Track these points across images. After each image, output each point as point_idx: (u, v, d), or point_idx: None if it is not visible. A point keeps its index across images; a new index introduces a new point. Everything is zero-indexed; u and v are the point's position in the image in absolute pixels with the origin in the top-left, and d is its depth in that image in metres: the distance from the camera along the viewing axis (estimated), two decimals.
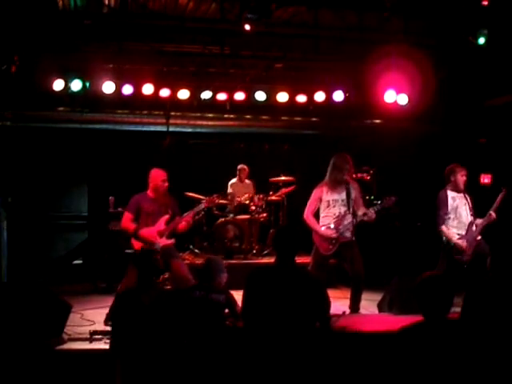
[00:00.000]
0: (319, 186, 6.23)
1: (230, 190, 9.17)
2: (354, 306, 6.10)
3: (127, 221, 5.97)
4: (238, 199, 8.92)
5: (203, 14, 7.16)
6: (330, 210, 6.13)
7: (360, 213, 6.05)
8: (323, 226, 6.13)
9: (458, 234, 6.40)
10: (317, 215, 6.24)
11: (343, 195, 6.09)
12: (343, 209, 6.08)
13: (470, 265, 6.35)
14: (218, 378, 4.02)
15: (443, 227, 6.40)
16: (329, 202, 6.13)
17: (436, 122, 9.17)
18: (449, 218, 6.44)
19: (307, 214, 6.17)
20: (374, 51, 7.46)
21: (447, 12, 6.93)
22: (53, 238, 9.12)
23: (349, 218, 6.06)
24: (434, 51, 7.74)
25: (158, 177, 6.02)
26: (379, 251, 8.24)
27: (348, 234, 6.08)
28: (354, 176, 6.48)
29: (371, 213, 6.01)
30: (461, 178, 6.43)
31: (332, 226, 6.08)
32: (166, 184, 6.04)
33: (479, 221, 6.41)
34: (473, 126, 9.09)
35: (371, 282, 6.78)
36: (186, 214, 6.13)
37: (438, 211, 6.45)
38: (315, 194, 6.21)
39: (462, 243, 6.32)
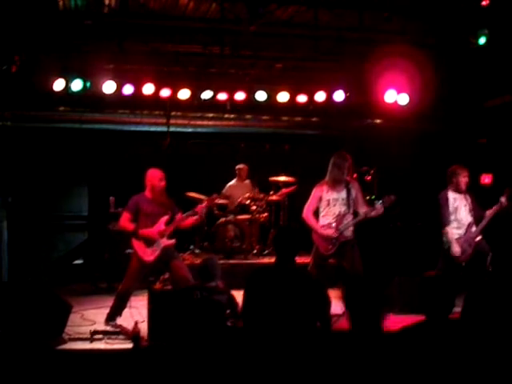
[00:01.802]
0: (319, 184, 6.22)
1: (226, 191, 9.14)
2: None
3: (125, 220, 5.95)
4: (239, 199, 8.92)
5: (203, 14, 7.16)
6: (329, 209, 6.12)
7: (362, 211, 6.04)
8: (323, 225, 6.13)
9: (458, 234, 6.41)
10: (316, 214, 6.24)
11: (343, 194, 6.08)
12: (343, 208, 6.08)
13: (470, 264, 6.36)
14: (219, 378, 4.02)
15: (448, 229, 6.40)
16: (329, 201, 6.12)
17: (436, 121, 9.17)
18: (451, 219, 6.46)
19: (307, 213, 6.16)
20: (374, 51, 7.45)
21: (447, 12, 6.92)
22: (53, 237, 9.11)
23: (349, 218, 6.06)
24: (435, 51, 7.74)
25: (154, 176, 6.00)
26: (380, 251, 8.24)
27: (348, 234, 6.08)
28: (354, 176, 6.49)
29: (379, 207, 5.98)
30: (462, 179, 6.44)
31: (332, 225, 6.08)
32: (163, 183, 6.00)
33: (489, 211, 6.39)
34: (473, 126, 9.09)
35: None
36: (187, 213, 6.11)
37: (441, 212, 6.45)
38: (315, 192, 6.20)
39: (457, 250, 6.32)
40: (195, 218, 6.09)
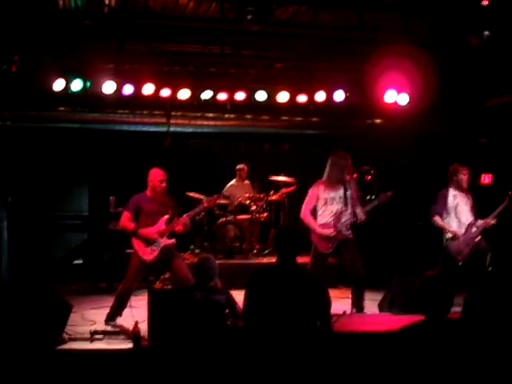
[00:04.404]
0: (316, 184, 6.22)
1: (226, 191, 9.16)
2: (358, 304, 6.07)
3: (126, 220, 5.95)
4: (239, 199, 8.92)
5: (203, 14, 7.16)
6: (327, 208, 6.12)
7: (356, 211, 6.06)
8: (321, 224, 6.13)
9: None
10: (315, 215, 6.23)
11: (340, 193, 6.08)
12: (341, 206, 6.08)
13: (469, 264, 6.36)
14: (219, 378, 4.02)
15: (436, 217, 6.42)
16: (326, 199, 6.12)
17: (436, 121, 9.17)
18: (448, 216, 6.46)
19: (304, 213, 6.15)
20: (374, 51, 7.45)
21: (447, 12, 6.92)
22: (53, 237, 9.12)
23: (346, 216, 6.06)
24: (435, 51, 7.74)
25: (156, 177, 6.00)
26: (380, 251, 8.24)
27: (346, 232, 6.08)
28: (354, 176, 6.50)
29: (361, 214, 6.02)
30: (463, 177, 6.46)
31: (330, 224, 6.08)
32: (164, 184, 6.00)
33: (480, 222, 6.41)
34: (473, 126, 9.09)
35: (372, 282, 6.78)
36: (185, 215, 6.11)
37: (433, 205, 6.47)
38: (312, 192, 6.20)
39: (458, 232, 6.35)
40: (179, 228, 6.03)
